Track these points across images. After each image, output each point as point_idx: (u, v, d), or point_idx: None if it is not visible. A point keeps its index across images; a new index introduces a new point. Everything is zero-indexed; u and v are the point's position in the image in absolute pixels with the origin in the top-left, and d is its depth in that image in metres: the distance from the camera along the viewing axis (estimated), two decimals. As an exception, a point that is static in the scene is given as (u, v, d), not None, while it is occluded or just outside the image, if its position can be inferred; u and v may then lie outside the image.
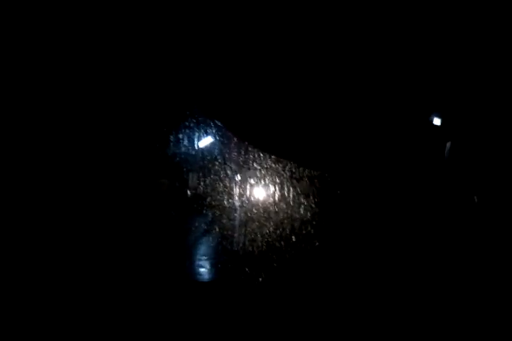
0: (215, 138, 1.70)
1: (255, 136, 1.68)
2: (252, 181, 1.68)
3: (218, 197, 1.69)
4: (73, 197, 1.58)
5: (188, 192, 1.71)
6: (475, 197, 1.53)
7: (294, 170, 1.66)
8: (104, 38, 1.58)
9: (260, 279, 1.63)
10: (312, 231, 1.64)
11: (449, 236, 1.55)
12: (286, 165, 1.66)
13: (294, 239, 1.64)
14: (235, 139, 1.69)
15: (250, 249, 1.64)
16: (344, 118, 1.61)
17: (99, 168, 1.62)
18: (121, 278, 1.52)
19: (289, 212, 1.66)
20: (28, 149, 1.57)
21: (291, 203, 1.66)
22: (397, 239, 1.57)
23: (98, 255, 1.54)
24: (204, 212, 1.67)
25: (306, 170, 1.66)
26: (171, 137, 1.69)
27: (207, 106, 1.69)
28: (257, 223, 1.66)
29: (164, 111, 1.70)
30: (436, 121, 1.57)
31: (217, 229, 1.67)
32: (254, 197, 1.68)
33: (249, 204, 1.68)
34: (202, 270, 1.67)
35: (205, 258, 1.68)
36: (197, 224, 1.67)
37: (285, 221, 1.65)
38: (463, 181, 1.54)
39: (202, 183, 1.69)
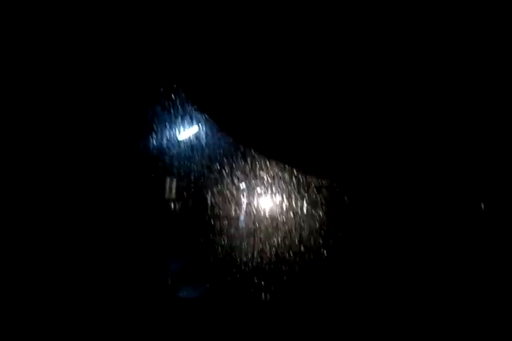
0: (220, 147, 1.67)
1: (261, 143, 1.64)
2: (258, 190, 1.66)
3: (225, 206, 1.67)
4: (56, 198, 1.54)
5: (193, 201, 1.69)
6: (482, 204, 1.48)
7: (301, 179, 1.63)
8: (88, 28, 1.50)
9: (269, 290, 1.62)
10: (321, 241, 1.61)
11: (456, 243, 1.50)
12: (293, 173, 1.63)
13: (302, 249, 1.62)
14: (241, 147, 1.66)
15: (259, 259, 1.63)
16: (354, 126, 1.55)
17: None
18: (118, 289, 1.52)
19: (297, 221, 1.63)
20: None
21: (299, 212, 1.63)
22: (407, 249, 1.54)
23: (93, 260, 1.53)
24: (211, 222, 1.66)
25: (314, 179, 1.62)
26: (174, 146, 1.67)
27: (211, 113, 1.65)
28: (264, 233, 1.64)
29: (168, 118, 1.67)
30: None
31: (224, 240, 1.65)
32: (261, 207, 1.66)
33: (256, 214, 1.66)
34: (208, 281, 1.67)
35: (212, 269, 1.67)
36: (203, 234, 1.66)
37: (293, 230, 1.63)
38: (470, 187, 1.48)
39: (209, 193, 1.67)
